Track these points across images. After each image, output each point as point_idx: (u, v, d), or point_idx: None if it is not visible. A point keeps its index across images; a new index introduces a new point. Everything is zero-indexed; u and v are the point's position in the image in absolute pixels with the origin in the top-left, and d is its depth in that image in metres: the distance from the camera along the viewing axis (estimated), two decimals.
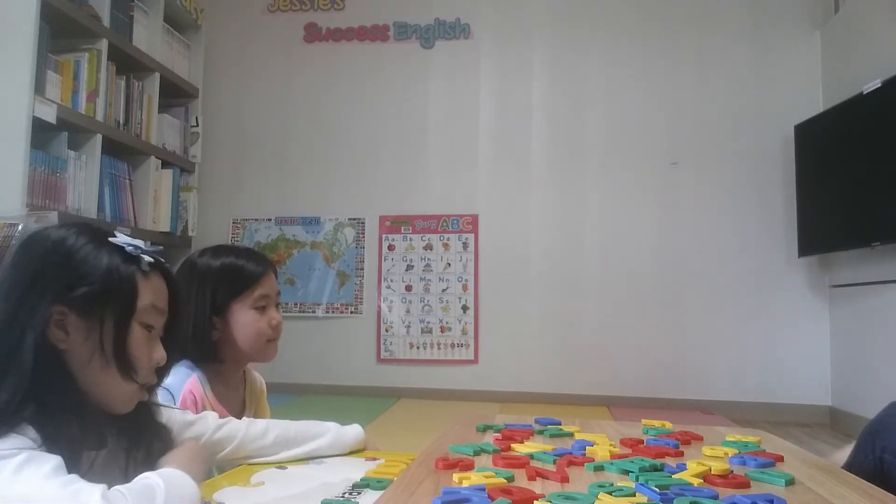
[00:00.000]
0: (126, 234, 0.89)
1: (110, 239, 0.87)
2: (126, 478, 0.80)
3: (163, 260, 0.91)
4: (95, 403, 0.87)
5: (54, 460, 0.74)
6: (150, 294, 0.88)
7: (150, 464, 0.82)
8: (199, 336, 1.27)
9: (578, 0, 3.98)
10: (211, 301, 1.29)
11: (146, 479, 0.79)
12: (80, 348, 0.83)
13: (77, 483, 0.73)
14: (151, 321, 0.88)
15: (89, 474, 0.78)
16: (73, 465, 0.76)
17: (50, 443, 0.76)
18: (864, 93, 3.00)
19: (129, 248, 0.87)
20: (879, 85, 2.91)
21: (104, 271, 0.84)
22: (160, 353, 0.90)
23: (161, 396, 1.02)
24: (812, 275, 3.63)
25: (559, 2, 4.00)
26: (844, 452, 1.32)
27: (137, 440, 0.91)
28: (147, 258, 0.88)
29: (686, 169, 3.80)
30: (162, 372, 0.93)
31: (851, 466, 1.17)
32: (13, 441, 0.75)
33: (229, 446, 1.06)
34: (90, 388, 0.85)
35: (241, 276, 1.32)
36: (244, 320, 1.29)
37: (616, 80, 3.91)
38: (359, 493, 1.08)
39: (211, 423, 1.06)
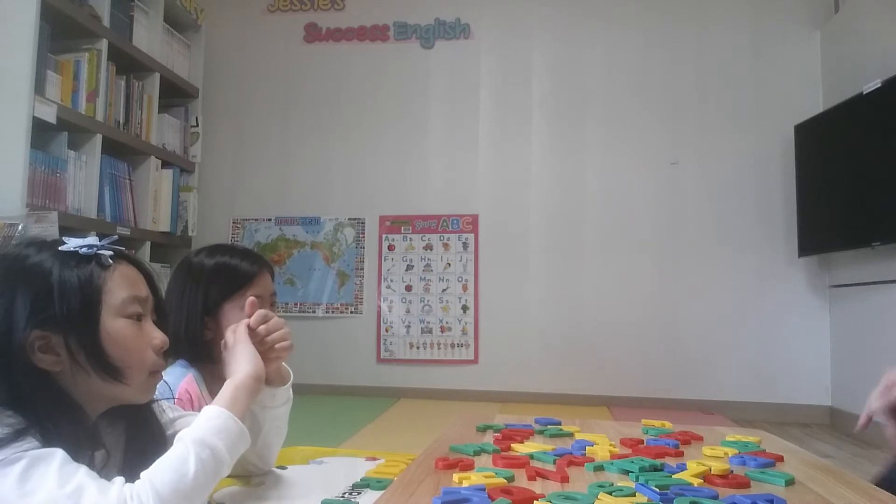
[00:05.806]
0: (90, 236, 0.87)
1: (60, 248, 0.83)
2: (124, 475, 0.79)
3: (123, 248, 0.88)
4: (107, 405, 0.86)
5: (57, 460, 0.73)
6: (123, 286, 0.85)
7: (145, 463, 0.81)
8: (192, 336, 1.26)
9: (579, 1, 3.98)
10: (203, 301, 1.28)
11: (178, 455, 0.80)
12: (73, 365, 0.80)
13: (86, 494, 0.71)
14: (135, 310, 0.86)
15: None
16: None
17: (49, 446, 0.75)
18: (864, 93, 3.00)
19: (82, 251, 0.83)
20: (879, 85, 2.90)
21: (57, 286, 0.80)
22: (159, 337, 0.88)
23: (160, 393, 1.01)
24: (812, 274, 3.63)
25: (559, 2, 4.00)
26: None
27: (135, 441, 0.90)
28: (106, 252, 0.85)
29: (686, 168, 3.80)
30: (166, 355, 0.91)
31: (883, 480, 1.12)
32: (15, 445, 0.73)
33: None
34: (99, 397, 0.84)
35: (234, 276, 1.30)
36: (234, 321, 1.24)
37: (616, 81, 3.91)
38: (359, 493, 1.08)
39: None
